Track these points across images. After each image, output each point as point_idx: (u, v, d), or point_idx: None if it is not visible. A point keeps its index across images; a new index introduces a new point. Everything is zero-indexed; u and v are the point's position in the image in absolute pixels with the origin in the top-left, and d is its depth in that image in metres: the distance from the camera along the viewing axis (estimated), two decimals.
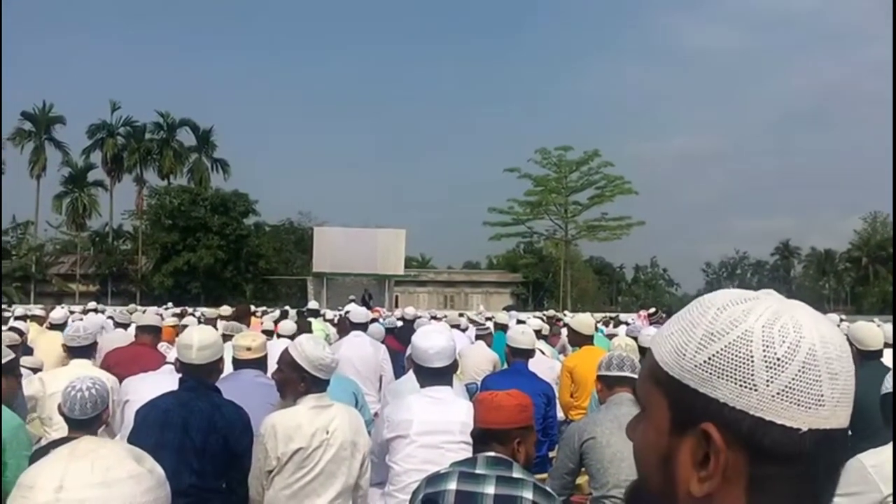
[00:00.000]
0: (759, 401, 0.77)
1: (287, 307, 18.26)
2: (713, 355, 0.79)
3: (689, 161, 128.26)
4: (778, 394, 0.76)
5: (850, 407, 0.79)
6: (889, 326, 7.00)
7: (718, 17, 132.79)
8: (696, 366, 0.80)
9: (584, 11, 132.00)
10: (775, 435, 0.76)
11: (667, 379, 0.84)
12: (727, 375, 0.78)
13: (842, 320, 13.39)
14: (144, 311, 9.14)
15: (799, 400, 0.76)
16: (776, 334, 0.78)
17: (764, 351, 0.77)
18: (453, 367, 3.85)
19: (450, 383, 3.78)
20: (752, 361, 0.77)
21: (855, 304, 58.91)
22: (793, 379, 0.76)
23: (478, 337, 8.90)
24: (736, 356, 0.78)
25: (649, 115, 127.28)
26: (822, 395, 0.76)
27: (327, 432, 3.33)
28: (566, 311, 25.07)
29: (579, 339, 6.69)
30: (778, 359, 0.77)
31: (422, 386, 3.77)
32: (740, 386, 0.77)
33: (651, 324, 11.36)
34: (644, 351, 5.83)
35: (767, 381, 0.77)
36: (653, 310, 13.61)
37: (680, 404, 0.82)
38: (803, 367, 0.76)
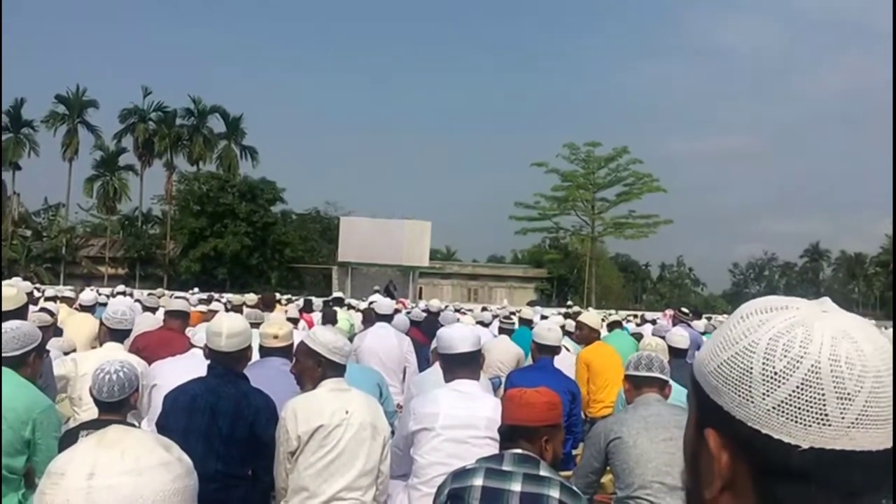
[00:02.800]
0: (755, 413, 0.76)
1: (311, 296, 18.35)
2: (721, 363, 0.80)
3: (720, 161, 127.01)
4: (774, 408, 0.75)
5: (880, 429, 0.75)
6: None
7: (754, 16, 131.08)
8: (709, 372, 0.82)
9: (616, 8, 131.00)
10: (773, 449, 0.76)
11: (694, 381, 0.86)
12: (729, 385, 0.79)
13: None
14: (172, 296, 9.22)
15: (797, 417, 0.75)
16: (779, 348, 0.76)
17: (763, 364, 0.77)
18: (480, 358, 3.86)
19: (476, 377, 3.78)
20: (751, 373, 0.77)
21: (884, 309, 58.09)
22: (790, 395, 0.75)
23: (502, 331, 8.86)
24: (738, 366, 0.78)
25: (682, 114, 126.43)
26: (825, 414, 0.74)
27: (346, 412, 3.37)
28: (590, 308, 24.95)
29: (588, 335, 6.81)
30: (776, 373, 0.76)
31: (448, 379, 3.77)
32: (739, 396, 0.78)
33: (675, 323, 11.24)
34: (672, 351, 5.80)
35: (763, 394, 0.76)
36: (685, 309, 13.44)
37: (701, 408, 0.84)
38: (803, 384, 0.75)
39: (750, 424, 0.77)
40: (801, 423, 0.74)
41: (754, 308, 0.82)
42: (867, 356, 0.76)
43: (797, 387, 0.75)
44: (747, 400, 0.77)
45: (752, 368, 0.77)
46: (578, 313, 15.86)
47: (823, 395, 0.74)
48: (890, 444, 0.76)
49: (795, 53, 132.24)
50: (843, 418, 0.74)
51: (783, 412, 0.75)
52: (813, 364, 0.75)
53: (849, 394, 0.74)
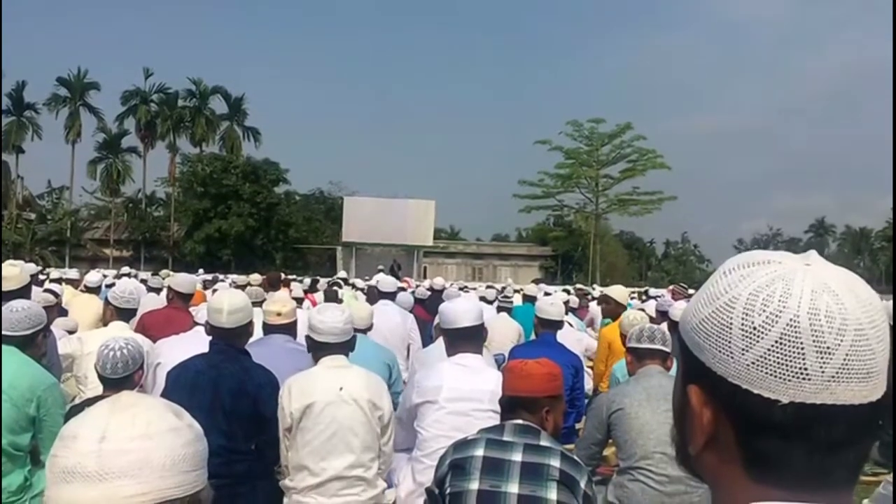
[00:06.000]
0: (735, 369, 0.76)
1: (318, 276, 18.40)
2: (703, 319, 0.80)
3: (724, 136, 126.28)
4: (753, 363, 0.75)
5: (862, 383, 0.74)
6: None
7: None
8: (691, 328, 0.82)
9: None
10: (754, 404, 0.76)
11: (680, 339, 0.86)
12: (710, 340, 0.79)
13: None
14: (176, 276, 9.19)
15: (776, 371, 0.74)
16: (759, 303, 0.76)
17: (742, 319, 0.76)
18: (482, 332, 3.85)
19: (479, 351, 3.78)
20: (731, 329, 0.77)
21: (890, 283, 57.97)
22: (769, 349, 0.75)
23: (500, 309, 8.85)
24: (718, 322, 0.78)
25: (686, 90, 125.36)
26: (805, 369, 0.74)
27: (340, 389, 3.38)
28: (595, 286, 24.98)
29: (613, 309, 6.76)
30: (754, 328, 0.75)
31: (450, 353, 3.77)
32: (719, 352, 0.78)
33: (676, 299, 11.24)
34: (674, 324, 5.80)
35: (743, 349, 0.76)
36: (683, 284, 13.43)
37: (686, 364, 0.84)
38: (781, 339, 0.74)
39: (730, 380, 0.77)
40: (780, 378, 0.74)
41: (736, 263, 0.82)
42: (848, 309, 0.75)
43: (776, 341, 0.75)
44: (727, 355, 0.77)
45: (731, 324, 0.77)
46: (581, 290, 15.92)
47: (802, 349, 0.74)
48: (874, 398, 0.75)
49: (802, 28, 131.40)
50: (822, 372, 0.74)
51: (762, 367, 0.75)
52: (792, 318, 0.74)
53: (828, 348, 0.74)
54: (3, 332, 3.57)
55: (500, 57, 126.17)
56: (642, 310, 9.67)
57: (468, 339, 3.75)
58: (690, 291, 11.96)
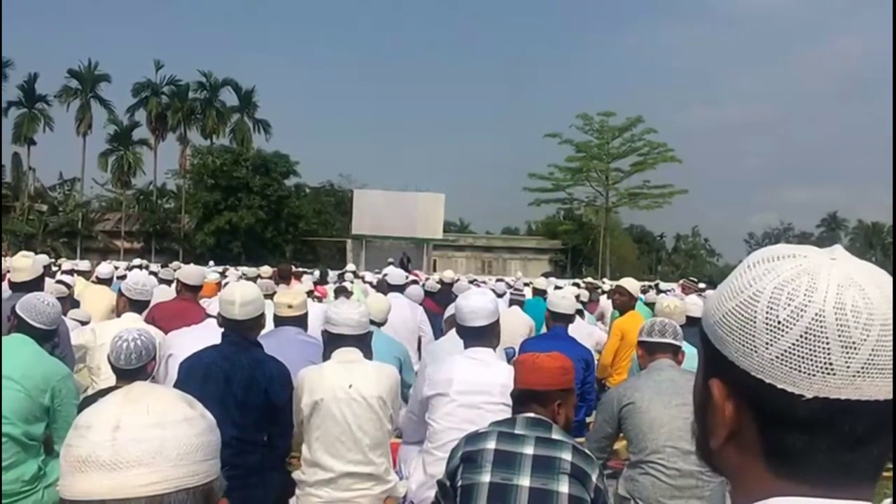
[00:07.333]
0: (759, 363, 0.76)
1: (327, 269, 18.44)
2: (726, 313, 0.80)
3: (735, 129, 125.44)
4: (777, 357, 0.75)
5: (887, 378, 0.73)
6: None
7: None
8: (714, 322, 0.81)
9: None
10: (777, 398, 0.75)
11: (702, 333, 0.85)
12: (734, 334, 0.78)
13: None
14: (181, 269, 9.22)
15: (800, 366, 0.74)
16: (783, 297, 0.75)
17: (767, 313, 0.76)
18: (495, 329, 3.83)
19: (491, 345, 3.77)
20: (755, 323, 0.76)
21: None
22: (793, 344, 0.74)
23: (512, 302, 8.85)
24: (742, 316, 0.78)
25: (697, 83, 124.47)
26: (830, 364, 0.73)
27: (350, 386, 3.38)
28: (605, 279, 24.94)
29: (626, 301, 6.76)
30: (779, 322, 0.75)
31: (466, 347, 3.77)
32: (743, 346, 0.77)
33: (686, 293, 11.20)
34: (687, 319, 5.78)
35: (767, 343, 0.75)
36: (693, 279, 13.38)
37: (708, 358, 0.84)
38: (806, 333, 0.74)
39: (754, 374, 0.76)
40: (804, 373, 0.74)
41: (761, 257, 0.81)
42: (874, 304, 0.74)
43: (801, 336, 0.74)
44: (751, 349, 0.76)
45: (755, 317, 0.76)
46: (591, 284, 15.91)
47: (828, 343, 0.73)
48: None
49: (812, 19, 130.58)
50: (848, 367, 0.73)
51: (786, 361, 0.74)
52: (817, 312, 0.74)
53: (854, 342, 0.73)
54: (31, 322, 3.62)
55: (509, 50, 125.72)
56: (651, 304, 9.68)
57: (481, 337, 3.74)
58: (700, 286, 11.94)
